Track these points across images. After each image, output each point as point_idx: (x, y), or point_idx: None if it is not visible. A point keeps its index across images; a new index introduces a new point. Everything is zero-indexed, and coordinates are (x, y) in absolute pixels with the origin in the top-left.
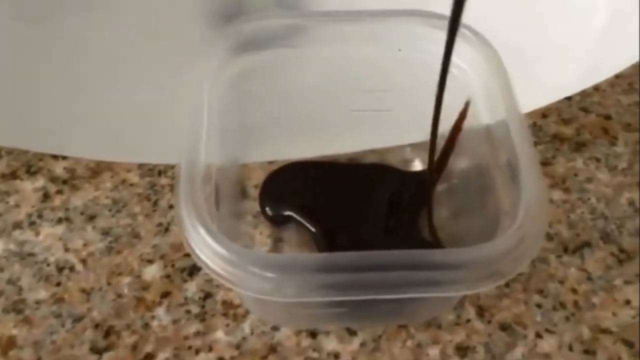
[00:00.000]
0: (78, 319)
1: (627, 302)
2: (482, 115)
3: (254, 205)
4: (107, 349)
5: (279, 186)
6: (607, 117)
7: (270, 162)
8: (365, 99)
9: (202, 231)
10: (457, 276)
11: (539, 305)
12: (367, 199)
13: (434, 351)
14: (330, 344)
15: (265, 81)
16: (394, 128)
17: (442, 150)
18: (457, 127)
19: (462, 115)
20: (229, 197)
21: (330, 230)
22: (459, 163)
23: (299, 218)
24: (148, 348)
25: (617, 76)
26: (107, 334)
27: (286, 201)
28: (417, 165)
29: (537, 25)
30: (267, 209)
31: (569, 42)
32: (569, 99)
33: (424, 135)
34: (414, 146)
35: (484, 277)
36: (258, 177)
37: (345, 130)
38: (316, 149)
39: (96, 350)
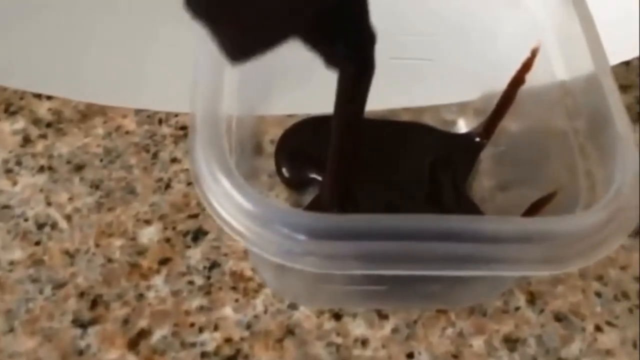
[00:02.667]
0: (59, 286)
1: None
2: (554, 66)
3: (270, 164)
4: (92, 322)
5: (298, 144)
6: None
7: (290, 116)
8: (408, 45)
9: (225, 182)
10: (532, 253)
11: (598, 294)
12: (402, 163)
13: (478, 342)
14: (358, 328)
15: None
16: (436, 82)
17: (496, 107)
18: (518, 80)
19: (527, 66)
20: (243, 154)
21: (359, 197)
22: (517, 123)
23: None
24: (142, 323)
25: None
26: (94, 304)
27: (306, 161)
28: (462, 128)
29: None
30: (283, 169)
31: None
32: (626, 64)
33: (472, 92)
34: (460, 105)
35: (569, 256)
36: (276, 132)
37: (380, 81)
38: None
39: (80, 322)
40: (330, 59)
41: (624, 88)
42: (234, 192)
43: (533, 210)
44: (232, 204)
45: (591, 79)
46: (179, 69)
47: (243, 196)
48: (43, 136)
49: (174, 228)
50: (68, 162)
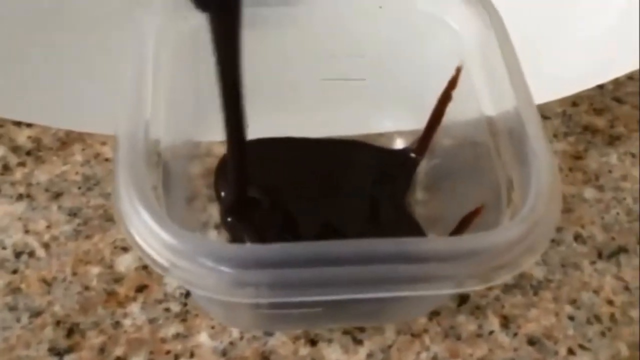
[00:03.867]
0: (36, 314)
1: None
2: (476, 83)
3: (209, 190)
4: (69, 350)
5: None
6: None
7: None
8: (339, 66)
9: (145, 215)
10: (453, 270)
11: (571, 318)
12: (339, 181)
13: None
14: (333, 353)
15: None
16: (369, 100)
17: (427, 123)
18: (446, 96)
19: (452, 83)
20: (180, 180)
21: (298, 217)
22: (447, 139)
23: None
24: (118, 351)
25: None
26: (70, 332)
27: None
28: (398, 144)
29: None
30: (223, 194)
31: (600, 27)
32: (600, 87)
33: (405, 109)
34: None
35: (488, 270)
36: (215, 156)
37: (315, 102)
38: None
39: (56, 351)
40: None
41: (597, 111)
42: (155, 225)
43: (463, 224)
44: (154, 237)
45: (509, 96)
46: None
47: (164, 230)
48: (22, 164)
49: None
50: (46, 190)
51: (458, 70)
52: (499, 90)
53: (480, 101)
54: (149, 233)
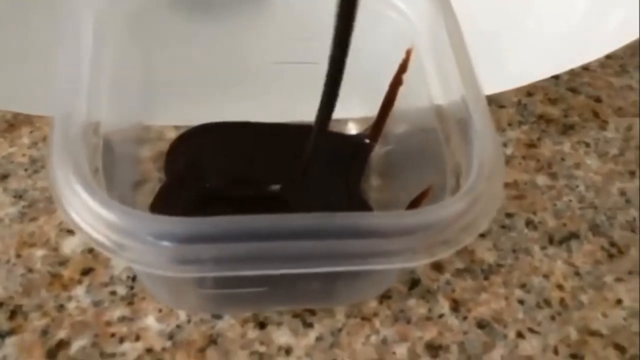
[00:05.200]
0: None
1: (619, 301)
2: (426, 68)
3: (158, 175)
4: (11, 332)
5: (187, 153)
6: (597, 100)
7: (176, 127)
8: (291, 50)
9: (78, 188)
10: (397, 245)
11: (521, 302)
12: (293, 166)
13: (401, 349)
14: (282, 336)
15: (172, 25)
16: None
17: (380, 108)
18: (397, 80)
19: (403, 67)
20: (127, 164)
21: (248, 201)
22: (400, 125)
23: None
24: (61, 334)
25: (608, 57)
26: (13, 314)
27: (196, 170)
28: (352, 130)
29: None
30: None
31: (556, 18)
32: (556, 77)
33: (357, 95)
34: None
35: (430, 246)
36: (165, 141)
37: (265, 86)
38: (235, 109)
39: None
40: None
41: (552, 101)
42: (91, 201)
43: (412, 206)
44: (91, 214)
45: (456, 81)
46: None
47: (101, 205)
48: None
49: None
50: None
51: (408, 53)
52: (447, 74)
53: (430, 86)
54: (88, 212)
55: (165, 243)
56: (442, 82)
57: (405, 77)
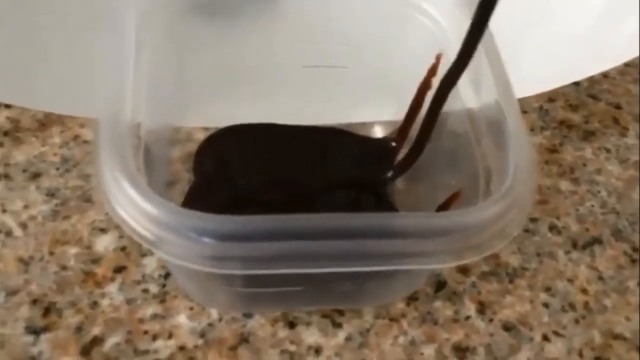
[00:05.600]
0: (12, 292)
1: None
2: None
3: (188, 175)
4: (46, 329)
5: (216, 154)
6: (617, 107)
7: (206, 129)
8: (322, 53)
9: (125, 184)
10: (429, 246)
11: (545, 305)
12: (321, 169)
13: (429, 350)
14: (311, 336)
15: (199, 28)
16: (351, 88)
17: (408, 112)
18: (426, 84)
19: (432, 71)
20: (160, 164)
21: (278, 204)
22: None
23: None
24: (95, 330)
25: (627, 64)
26: (47, 311)
27: (224, 171)
28: (377, 132)
29: (545, 8)
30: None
31: (575, 26)
32: (576, 84)
33: (386, 98)
34: (373, 109)
35: (463, 249)
36: (194, 142)
37: (292, 89)
38: (264, 112)
39: (33, 330)
40: None
41: (573, 107)
42: (138, 197)
43: (441, 210)
44: (137, 210)
45: (489, 86)
46: None
47: (147, 201)
48: (0, 144)
49: (130, 237)
50: (24, 171)
51: (438, 58)
52: (479, 80)
53: (461, 91)
54: (133, 207)
55: (206, 239)
56: (474, 86)
57: (435, 81)
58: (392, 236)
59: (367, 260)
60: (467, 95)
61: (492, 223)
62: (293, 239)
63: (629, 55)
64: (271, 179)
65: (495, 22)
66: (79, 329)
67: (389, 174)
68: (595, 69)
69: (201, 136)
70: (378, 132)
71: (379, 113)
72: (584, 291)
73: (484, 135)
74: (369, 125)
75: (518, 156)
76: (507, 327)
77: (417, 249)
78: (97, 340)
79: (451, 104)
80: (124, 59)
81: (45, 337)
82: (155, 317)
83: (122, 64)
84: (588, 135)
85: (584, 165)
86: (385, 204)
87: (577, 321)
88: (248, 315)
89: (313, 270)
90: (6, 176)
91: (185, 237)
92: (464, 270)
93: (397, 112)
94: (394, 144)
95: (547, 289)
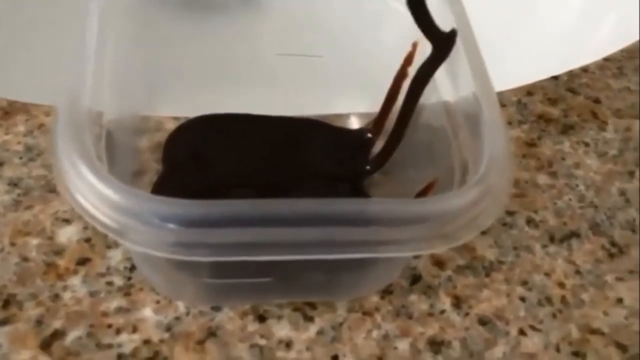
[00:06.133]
0: None
1: (619, 300)
2: None
3: (156, 166)
4: (5, 322)
5: (186, 144)
6: (596, 101)
7: (176, 118)
8: (296, 42)
9: (85, 171)
10: (404, 234)
11: (522, 299)
12: (297, 160)
13: (403, 345)
14: (282, 330)
15: (170, 18)
16: (326, 79)
17: (384, 102)
18: (402, 73)
19: (408, 60)
20: (126, 154)
21: (251, 193)
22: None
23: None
24: (56, 324)
25: (606, 59)
26: (7, 303)
27: (194, 161)
28: (354, 125)
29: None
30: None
31: (555, 20)
32: (555, 78)
33: (362, 90)
34: (349, 100)
35: (438, 236)
36: (164, 131)
37: (264, 79)
38: (231, 101)
39: None
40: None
41: (552, 101)
42: (98, 183)
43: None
44: (97, 197)
45: (466, 77)
46: None
47: (107, 187)
48: None
49: (94, 228)
50: None
51: (414, 46)
52: (455, 68)
53: (437, 82)
54: (94, 195)
55: (171, 225)
56: (451, 76)
57: (411, 70)
58: (365, 223)
59: (338, 247)
60: (444, 87)
61: (466, 210)
62: (261, 225)
63: (608, 50)
64: (244, 170)
65: (476, 16)
66: (39, 322)
67: (367, 168)
68: (574, 63)
69: (172, 126)
70: (354, 124)
71: (354, 104)
72: (561, 285)
73: (461, 127)
74: (345, 116)
75: (493, 146)
76: (483, 322)
77: (390, 237)
78: (58, 334)
79: (428, 96)
80: (84, 46)
81: (3, 330)
82: (119, 310)
83: (83, 51)
84: (567, 129)
85: (563, 159)
86: (360, 196)
87: (554, 315)
88: (216, 309)
89: (282, 258)
90: None
91: (149, 224)
92: (439, 263)
93: (372, 103)
94: (370, 135)
95: (524, 283)
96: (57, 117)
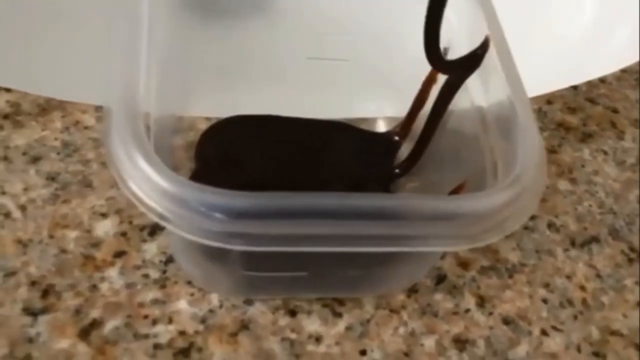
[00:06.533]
0: (10, 274)
1: (638, 304)
2: None
3: (189, 164)
4: (44, 310)
5: (218, 143)
6: (614, 111)
7: (207, 118)
8: (325, 45)
9: (140, 159)
10: (435, 229)
11: (544, 300)
12: (325, 162)
13: (429, 342)
14: (312, 325)
15: (201, 21)
16: (354, 83)
17: (412, 105)
18: (431, 79)
19: None
20: (164, 152)
21: None
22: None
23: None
24: (94, 313)
25: (624, 70)
26: (46, 293)
27: (226, 160)
28: (382, 128)
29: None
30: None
31: (573, 31)
32: (575, 88)
33: (389, 93)
34: (376, 104)
35: (465, 235)
36: (199, 130)
37: (300, 82)
38: (268, 103)
39: (31, 311)
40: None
41: (571, 110)
42: (152, 172)
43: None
44: (150, 185)
45: (498, 81)
46: None
47: (161, 176)
48: None
49: (130, 222)
50: (24, 154)
51: (444, 52)
52: (487, 72)
53: (467, 86)
54: (147, 183)
55: (218, 215)
56: (482, 80)
57: (441, 76)
58: (401, 217)
59: (373, 241)
60: (474, 90)
61: (497, 211)
62: (305, 217)
63: (626, 62)
64: (272, 170)
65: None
66: (77, 312)
67: (395, 171)
68: (592, 74)
69: (204, 126)
70: (381, 127)
71: (381, 108)
72: (582, 288)
73: (493, 131)
74: (372, 120)
75: (527, 151)
76: (507, 321)
77: (422, 232)
78: (96, 323)
79: (459, 100)
80: (135, 47)
81: (43, 319)
82: (155, 302)
83: (135, 52)
84: (586, 137)
85: (582, 166)
86: None
87: (575, 317)
88: (249, 302)
89: (322, 249)
90: (5, 159)
91: (197, 212)
92: (463, 264)
93: (399, 107)
94: (397, 138)
95: (546, 285)
96: (112, 111)
